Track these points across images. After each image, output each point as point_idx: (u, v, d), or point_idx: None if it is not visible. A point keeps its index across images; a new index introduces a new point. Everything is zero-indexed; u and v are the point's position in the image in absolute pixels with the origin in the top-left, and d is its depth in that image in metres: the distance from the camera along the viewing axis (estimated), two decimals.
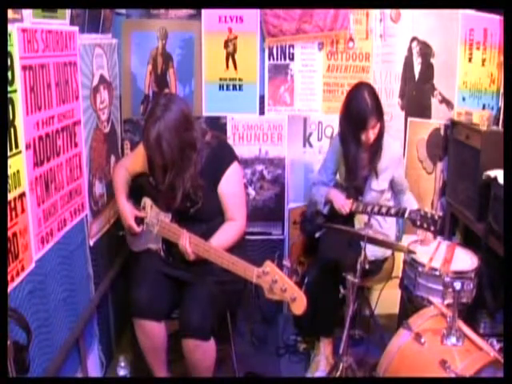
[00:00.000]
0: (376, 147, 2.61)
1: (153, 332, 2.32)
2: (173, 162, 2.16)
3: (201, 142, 2.24)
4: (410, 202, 2.72)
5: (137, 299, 2.30)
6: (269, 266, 2.00)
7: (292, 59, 3.10)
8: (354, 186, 2.70)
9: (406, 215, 2.38)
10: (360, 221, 2.68)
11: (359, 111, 2.51)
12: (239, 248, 2.35)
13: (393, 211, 2.47)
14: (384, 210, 2.49)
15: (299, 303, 1.96)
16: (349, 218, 2.69)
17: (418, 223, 2.34)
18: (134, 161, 2.49)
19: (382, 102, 2.61)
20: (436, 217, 2.28)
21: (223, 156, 2.33)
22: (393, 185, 2.75)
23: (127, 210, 2.41)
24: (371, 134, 2.54)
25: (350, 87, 2.70)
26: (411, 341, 2.10)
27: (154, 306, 2.30)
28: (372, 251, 2.55)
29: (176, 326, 2.32)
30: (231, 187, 2.32)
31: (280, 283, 1.96)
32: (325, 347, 2.72)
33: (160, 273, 2.37)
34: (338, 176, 2.87)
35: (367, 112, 2.50)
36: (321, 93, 3.15)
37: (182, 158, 2.17)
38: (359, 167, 2.63)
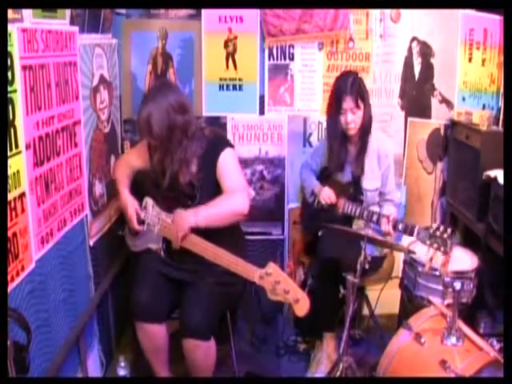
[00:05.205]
0: (362, 141, 2.61)
1: (154, 334, 2.33)
2: (161, 141, 2.19)
3: (198, 134, 2.27)
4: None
5: (138, 303, 2.30)
6: (272, 267, 1.98)
7: (292, 59, 3.10)
8: (345, 183, 2.69)
9: (415, 236, 2.33)
10: (359, 221, 2.68)
11: (336, 90, 2.57)
12: (240, 248, 2.34)
13: (400, 227, 2.42)
14: (391, 224, 2.44)
15: (302, 305, 1.95)
16: (349, 219, 2.68)
17: (428, 243, 2.25)
18: (136, 155, 2.51)
19: (382, 102, 2.61)
20: (445, 236, 2.19)
21: (218, 144, 2.33)
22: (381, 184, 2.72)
23: (129, 202, 2.40)
24: (350, 117, 2.53)
25: None
26: (411, 341, 2.10)
27: (154, 308, 2.30)
28: (370, 249, 2.54)
29: (176, 325, 2.32)
30: (227, 166, 2.29)
31: (283, 284, 1.95)
32: (328, 343, 2.70)
33: (160, 274, 2.37)
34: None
35: (343, 91, 2.52)
36: (321, 93, 3.14)
37: (172, 139, 2.19)
38: (340, 154, 2.64)
